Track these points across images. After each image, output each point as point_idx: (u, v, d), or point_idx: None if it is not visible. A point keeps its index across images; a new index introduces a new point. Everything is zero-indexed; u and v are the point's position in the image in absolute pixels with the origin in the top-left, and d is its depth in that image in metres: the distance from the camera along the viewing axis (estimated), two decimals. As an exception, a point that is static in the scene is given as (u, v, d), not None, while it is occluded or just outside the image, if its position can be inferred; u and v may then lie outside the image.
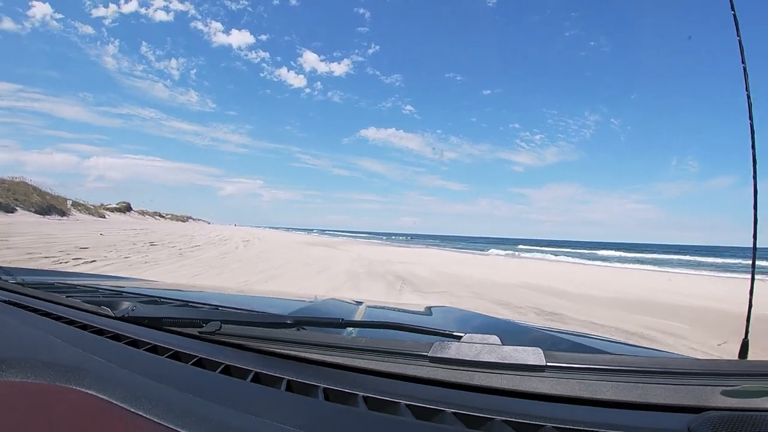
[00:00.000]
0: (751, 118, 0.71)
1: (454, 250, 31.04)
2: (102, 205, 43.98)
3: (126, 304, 0.77)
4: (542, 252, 32.22)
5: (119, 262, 7.80)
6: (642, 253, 31.58)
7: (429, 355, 0.55)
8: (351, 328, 0.83)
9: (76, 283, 1.23)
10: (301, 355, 0.61)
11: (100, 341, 0.65)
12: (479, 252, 29.96)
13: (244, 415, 0.44)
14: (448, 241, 56.78)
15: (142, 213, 61.69)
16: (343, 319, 0.79)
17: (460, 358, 0.54)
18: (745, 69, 0.71)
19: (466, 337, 0.59)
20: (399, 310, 1.52)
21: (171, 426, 0.41)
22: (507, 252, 30.99)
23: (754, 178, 0.71)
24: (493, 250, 32.28)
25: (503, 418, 0.45)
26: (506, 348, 0.54)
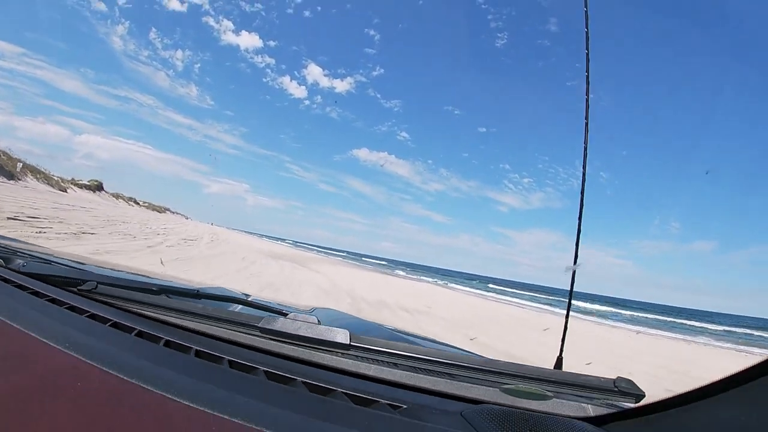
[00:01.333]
0: (585, 155, 0.96)
1: (461, 288, 28.64)
2: (73, 179, 41.19)
3: (18, 261, 0.85)
4: (499, 293, 32.15)
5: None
6: (610, 306, 31.03)
7: (259, 326, 0.67)
8: (206, 300, 0.93)
9: None
10: (158, 317, 0.73)
11: (5, 287, 0.74)
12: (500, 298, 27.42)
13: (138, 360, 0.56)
14: (426, 272, 56.65)
15: (116, 196, 58.57)
16: (198, 291, 0.90)
17: (283, 330, 0.66)
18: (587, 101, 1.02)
19: (291, 314, 0.73)
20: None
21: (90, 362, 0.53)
22: (466, 287, 31.12)
23: (581, 209, 0.94)
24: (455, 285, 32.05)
25: (302, 380, 0.59)
26: (321, 327, 0.67)
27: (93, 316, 0.68)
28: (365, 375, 0.62)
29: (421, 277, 34.90)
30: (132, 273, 1.83)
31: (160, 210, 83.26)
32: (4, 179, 21.30)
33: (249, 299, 1.01)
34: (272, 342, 0.67)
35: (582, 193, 0.93)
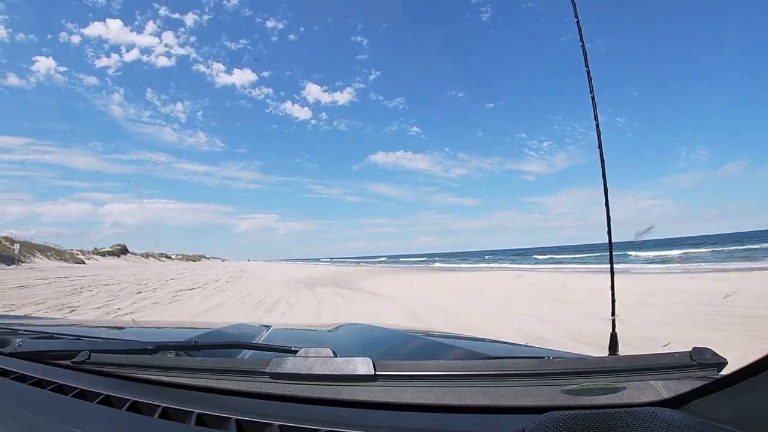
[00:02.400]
0: (596, 118, 0.82)
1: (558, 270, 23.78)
2: (95, 249, 40.41)
3: (16, 340, 0.82)
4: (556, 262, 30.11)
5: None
6: (663, 249, 28.14)
7: (267, 371, 0.59)
8: (206, 350, 0.85)
9: None
10: (155, 379, 0.66)
11: None
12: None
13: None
14: (471, 258, 53.52)
15: (146, 255, 58.34)
16: (196, 342, 0.82)
17: (296, 372, 0.58)
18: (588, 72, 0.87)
19: (301, 351, 0.65)
20: (305, 330, 1.66)
21: None
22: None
23: (603, 177, 0.81)
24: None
25: (327, 428, 0.49)
26: (338, 360, 0.59)
27: (81, 394, 0.63)
28: (399, 404, 0.53)
29: (478, 265, 31.86)
30: (136, 326, 1.90)
31: (195, 259, 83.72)
32: (3, 265, 19.43)
33: (255, 342, 0.90)
34: (285, 386, 0.59)
35: (600, 147, 0.83)
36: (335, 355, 0.61)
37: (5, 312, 7.10)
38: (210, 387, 0.62)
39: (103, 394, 0.62)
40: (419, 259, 69.68)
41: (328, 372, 0.57)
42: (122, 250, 43.84)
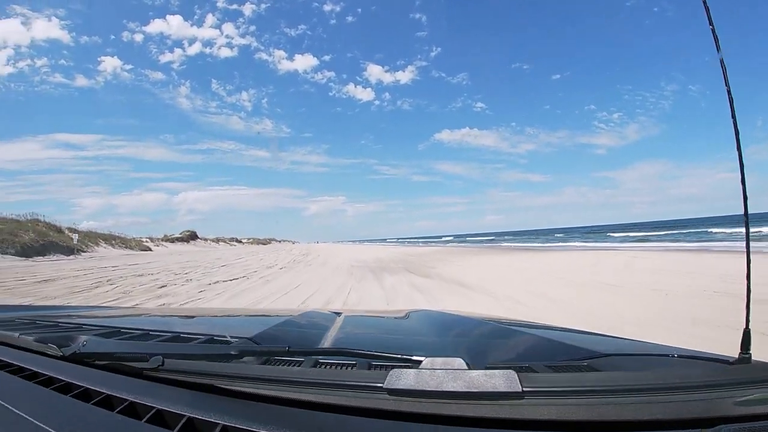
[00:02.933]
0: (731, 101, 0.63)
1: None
2: (165, 235, 40.95)
3: (80, 339, 0.72)
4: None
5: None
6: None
7: (385, 386, 0.48)
8: (299, 356, 0.71)
9: (39, 317, 1.19)
10: (244, 391, 0.55)
11: (28, 387, 0.62)
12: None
13: None
14: (544, 236, 51.13)
15: (217, 240, 59.70)
16: (289, 348, 0.67)
17: (420, 388, 0.47)
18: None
19: (426, 362, 0.53)
20: (377, 317, 1.53)
21: None
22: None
23: (740, 154, 0.65)
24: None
25: None
26: (473, 373, 0.47)
27: (158, 416, 0.51)
28: (551, 421, 0.45)
29: (559, 244, 27.98)
30: (203, 315, 1.73)
31: (265, 242, 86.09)
32: (62, 256, 18.34)
33: (356, 349, 0.68)
34: (409, 403, 0.48)
35: (733, 116, 0.63)
36: (468, 367, 0.49)
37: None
38: (314, 402, 0.51)
39: (185, 416, 0.49)
40: (487, 237, 66.76)
41: (463, 389, 0.46)
42: (192, 236, 44.24)
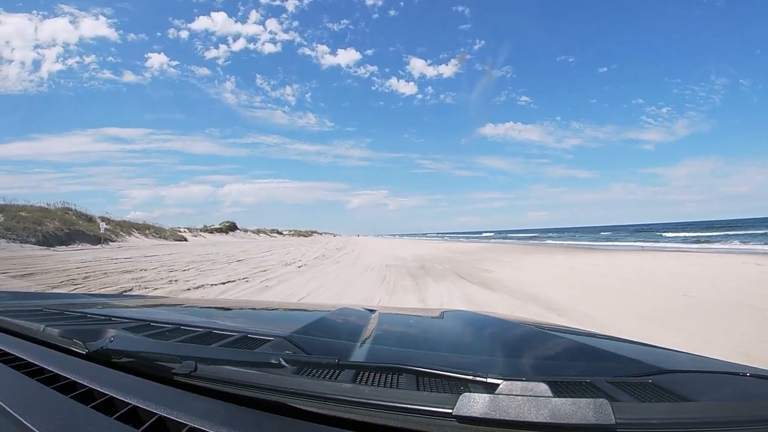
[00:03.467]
0: None
1: None
2: (204, 226, 40.90)
3: (108, 334, 0.69)
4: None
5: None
6: None
7: (455, 413, 0.41)
8: (351, 370, 0.61)
9: (68, 307, 1.14)
10: (288, 405, 0.49)
11: (47, 395, 0.54)
12: None
13: None
14: (588, 234, 48.47)
15: (257, 232, 59.81)
16: (339, 360, 0.57)
17: (498, 417, 0.40)
18: None
19: (503, 386, 0.45)
20: (413, 316, 1.45)
21: None
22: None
23: None
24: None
25: None
26: (558, 401, 0.40)
27: None
28: None
29: (617, 243, 25.08)
30: (237, 307, 1.66)
31: (306, 235, 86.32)
32: (88, 245, 17.56)
33: (416, 366, 0.55)
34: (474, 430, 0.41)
35: None
36: (554, 394, 0.42)
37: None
38: (369, 424, 0.45)
39: (187, 425, 0.45)
40: (530, 234, 62.87)
41: (546, 419, 0.39)
42: (231, 227, 44.04)
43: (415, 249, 18.72)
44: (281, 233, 70.42)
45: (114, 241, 20.22)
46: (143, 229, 24.75)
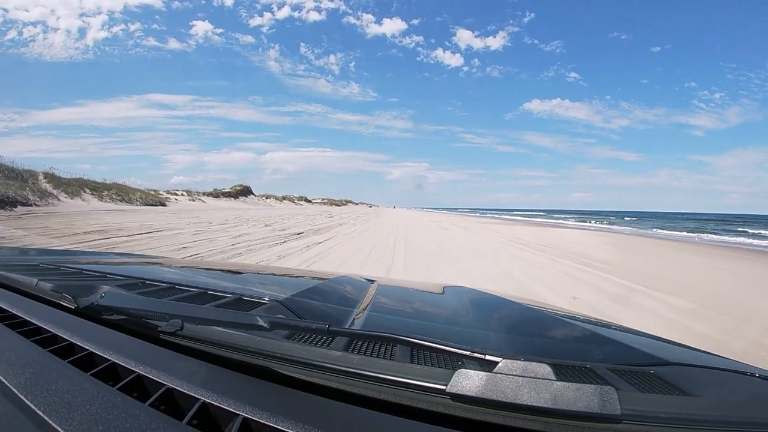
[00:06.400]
0: None
1: None
2: (215, 190, 35.83)
3: (100, 290, 0.68)
4: None
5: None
6: None
7: (448, 390, 0.38)
8: (343, 338, 0.59)
9: (65, 263, 1.11)
10: (274, 370, 0.47)
11: (24, 347, 0.52)
12: None
13: None
14: (626, 217, 44.56)
15: (282, 198, 54.74)
16: (329, 326, 0.53)
17: (495, 398, 0.37)
18: None
19: (502, 364, 0.41)
20: (413, 290, 1.39)
21: None
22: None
23: None
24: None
25: None
26: (561, 385, 0.37)
27: (168, 396, 0.43)
28: None
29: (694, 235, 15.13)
30: (240, 271, 1.59)
31: (340, 204, 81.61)
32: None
33: (408, 336, 0.49)
34: (472, 411, 0.39)
35: None
36: (556, 377, 0.38)
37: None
38: (355, 395, 0.43)
39: (200, 400, 0.41)
40: (570, 215, 57.36)
41: (547, 404, 0.36)
42: (243, 191, 38.85)
43: (457, 236, 11.88)
44: (310, 201, 65.17)
45: (38, 206, 14.68)
46: (100, 189, 19.29)
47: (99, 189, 19.27)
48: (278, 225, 13.01)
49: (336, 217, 19.61)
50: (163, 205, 22.34)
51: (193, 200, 28.55)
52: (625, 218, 45.91)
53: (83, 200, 17.42)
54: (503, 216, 49.33)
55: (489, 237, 11.20)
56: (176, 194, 28.20)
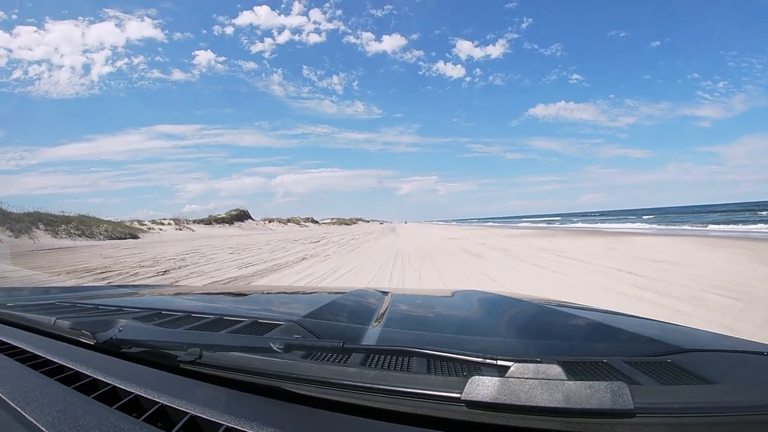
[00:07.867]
0: None
1: None
2: (210, 216, 33.78)
3: (117, 324, 0.68)
4: None
5: None
6: None
7: (464, 398, 0.39)
8: (358, 354, 0.61)
9: (80, 299, 1.13)
10: (292, 391, 0.48)
11: (48, 386, 0.53)
12: None
13: None
14: (642, 215, 43.21)
15: (286, 221, 52.59)
16: (344, 344, 0.55)
17: (509, 402, 0.37)
18: None
19: (514, 368, 0.42)
20: (425, 296, 1.47)
21: None
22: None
23: None
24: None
25: None
26: (572, 385, 0.37)
27: (192, 424, 0.44)
28: None
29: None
30: (251, 292, 1.62)
31: (349, 223, 79.27)
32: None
33: (418, 347, 0.52)
34: (489, 417, 0.40)
35: None
36: (568, 376, 0.39)
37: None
38: (372, 409, 0.44)
39: (222, 425, 0.42)
40: (585, 217, 53.87)
41: (560, 404, 0.36)
42: (239, 216, 36.68)
43: (478, 266, 8.83)
44: (317, 222, 62.90)
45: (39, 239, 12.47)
46: (56, 223, 17.13)
47: (55, 223, 17.13)
48: (299, 251, 10.34)
49: (321, 242, 16.82)
50: (135, 237, 20.12)
51: (181, 229, 26.43)
52: (643, 216, 41.94)
53: (30, 238, 15.22)
54: (522, 224, 45.48)
55: (567, 274, 5.88)
56: (162, 223, 26.13)
